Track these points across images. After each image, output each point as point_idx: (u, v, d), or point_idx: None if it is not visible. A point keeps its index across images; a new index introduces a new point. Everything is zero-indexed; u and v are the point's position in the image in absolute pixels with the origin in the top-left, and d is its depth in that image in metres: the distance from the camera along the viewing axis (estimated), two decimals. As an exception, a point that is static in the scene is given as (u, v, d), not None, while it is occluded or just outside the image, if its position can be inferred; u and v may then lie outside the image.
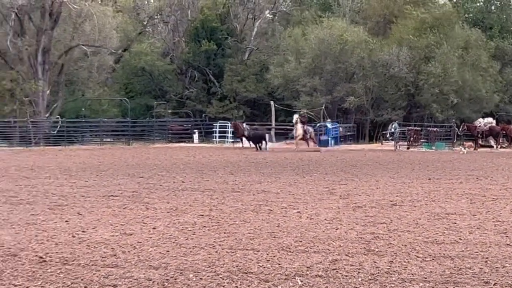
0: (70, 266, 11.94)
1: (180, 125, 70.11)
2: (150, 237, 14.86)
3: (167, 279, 11.07)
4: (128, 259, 12.59)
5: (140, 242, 14.23)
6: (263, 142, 55.96)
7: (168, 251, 13.34)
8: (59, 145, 57.37)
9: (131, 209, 19.52)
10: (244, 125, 59.22)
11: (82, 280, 10.96)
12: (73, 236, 14.83)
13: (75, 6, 66.11)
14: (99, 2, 75.97)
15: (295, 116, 56.71)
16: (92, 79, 71.71)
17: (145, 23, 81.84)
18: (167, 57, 79.47)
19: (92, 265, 12.07)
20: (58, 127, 61.14)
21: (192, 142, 65.01)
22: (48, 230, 15.54)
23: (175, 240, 14.58)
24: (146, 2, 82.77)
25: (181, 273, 11.51)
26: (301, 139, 56.43)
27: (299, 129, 55.76)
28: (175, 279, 11.11)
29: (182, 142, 65.17)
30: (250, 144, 57.21)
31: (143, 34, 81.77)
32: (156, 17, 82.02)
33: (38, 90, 64.11)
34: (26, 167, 34.27)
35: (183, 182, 27.74)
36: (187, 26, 79.80)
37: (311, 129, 57.95)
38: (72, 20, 67.63)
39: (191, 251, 13.36)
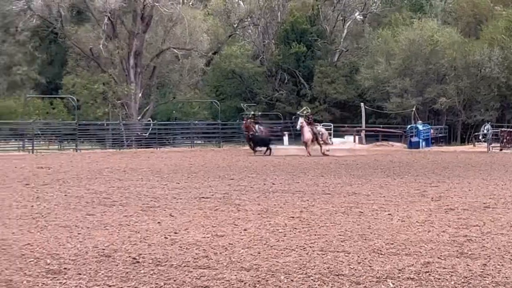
0: (163, 267, 11.98)
1: (270, 127, 69.79)
2: (241, 239, 14.86)
3: (258, 281, 11.04)
4: (220, 260, 12.60)
5: (232, 244, 14.23)
6: (267, 146, 51.07)
7: (259, 253, 13.32)
8: (151, 147, 57.91)
9: (222, 211, 19.56)
10: (257, 126, 53.83)
11: (174, 281, 10.99)
12: (166, 238, 14.90)
13: (166, 10, 66.64)
14: (190, 5, 76.44)
15: (300, 121, 49.94)
16: (183, 82, 72.23)
17: (235, 26, 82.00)
18: (257, 59, 79.64)
19: (184, 266, 12.10)
20: (150, 129, 61.68)
21: (282, 144, 64.89)
22: (141, 232, 15.65)
23: (266, 241, 14.55)
24: (236, 5, 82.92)
25: (272, 275, 11.48)
26: (313, 142, 49.88)
27: (306, 133, 49.23)
28: (266, 280, 11.08)
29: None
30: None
31: (233, 37, 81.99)
32: (246, 20, 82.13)
33: (130, 93, 64.85)
34: (119, 169, 34.63)
35: (273, 184, 27.73)
36: (277, 28, 79.92)
37: (323, 131, 52.00)
38: (164, 24, 68.22)
39: (282, 253, 13.32)
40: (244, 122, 54.98)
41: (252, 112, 58.03)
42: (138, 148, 57.80)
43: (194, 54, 70.28)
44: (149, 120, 63.56)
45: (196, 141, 64.93)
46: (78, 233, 15.38)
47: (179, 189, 25.34)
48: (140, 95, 65.55)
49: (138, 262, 12.39)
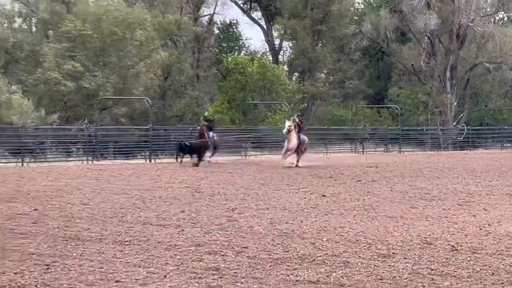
0: (479, 254, 11.80)
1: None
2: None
3: None
4: (530, 250, 12.26)
5: (540, 236, 13.81)
6: (199, 154, 36.94)
7: None
8: (464, 150, 56.93)
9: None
10: (211, 133, 39.18)
11: (489, 267, 10.79)
12: (480, 229, 14.65)
13: (479, 28, 65.56)
14: (500, 24, 74.56)
15: (287, 124, 38.03)
16: (494, 92, 70.63)
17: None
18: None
19: (498, 254, 11.86)
20: (464, 134, 60.82)
21: None
22: (458, 223, 15.48)
23: None
24: None
25: None
26: (293, 151, 37.47)
27: (293, 140, 37.12)
28: None
29: None
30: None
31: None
32: None
33: (447, 102, 64.40)
34: (437, 168, 34.32)
35: None
36: None
37: (306, 140, 39.02)
38: (476, 41, 67.02)
39: None
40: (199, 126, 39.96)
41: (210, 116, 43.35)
42: (454, 150, 57.13)
43: (504, 67, 68.56)
44: (463, 126, 62.71)
45: (506, 144, 63.14)
46: (403, 223, 15.44)
47: (491, 186, 24.78)
48: (455, 104, 65.14)
49: (456, 249, 12.27)
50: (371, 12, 69.64)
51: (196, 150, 36.85)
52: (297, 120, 37.98)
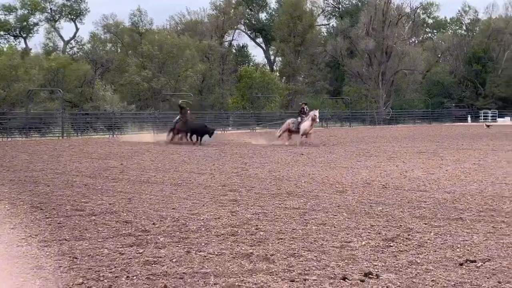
0: (399, 190, 11.81)
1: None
2: (444, 175, 14.34)
3: (454, 199, 10.64)
4: (432, 187, 12.24)
5: (438, 178, 13.78)
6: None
7: (455, 183, 12.81)
8: (390, 125, 56.75)
9: (432, 159, 18.95)
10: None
11: (406, 198, 10.81)
12: (401, 174, 14.66)
13: (399, 48, 65.25)
14: (413, 45, 74.06)
15: (316, 113, 27.24)
16: (409, 88, 70.34)
17: (439, 55, 78.61)
18: (452, 74, 75.76)
19: (412, 190, 11.87)
20: (390, 114, 60.78)
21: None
22: (387, 171, 15.48)
23: (458, 177, 13.96)
24: (441, 42, 79.34)
25: (462, 195, 11.03)
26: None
27: (306, 123, 26.96)
28: (460, 198, 10.67)
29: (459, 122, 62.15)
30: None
31: (438, 61, 78.47)
32: (446, 52, 78.47)
33: (379, 95, 64.12)
34: (373, 136, 34.29)
35: (462, 144, 26.49)
36: (463, 56, 75.46)
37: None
38: (398, 56, 66.58)
39: (467, 184, 12.73)
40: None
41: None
42: (384, 125, 56.98)
43: (415, 72, 68.32)
44: (390, 109, 62.70)
45: (416, 121, 62.77)
46: (352, 171, 15.45)
47: (407, 147, 24.76)
48: (384, 95, 64.92)
49: (385, 187, 12.29)
50: (332, 39, 69.64)
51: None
52: (304, 106, 28.89)
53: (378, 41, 65.34)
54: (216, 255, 6.72)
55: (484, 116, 64.59)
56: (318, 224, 8.45)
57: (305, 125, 27.17)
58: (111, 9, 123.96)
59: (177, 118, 29.53)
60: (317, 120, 27.74)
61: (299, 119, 27.90)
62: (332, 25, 76.90)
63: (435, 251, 6.85)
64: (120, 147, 25.46)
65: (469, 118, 62.70)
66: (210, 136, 27.48)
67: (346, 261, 6.43)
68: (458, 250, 6.91)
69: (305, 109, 28.25)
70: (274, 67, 74.03)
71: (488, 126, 45.14)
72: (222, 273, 5.99)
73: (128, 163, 18.09)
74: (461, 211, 9.44)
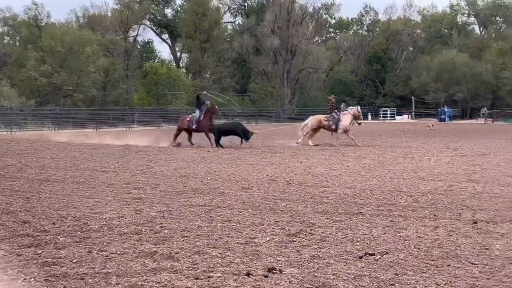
0: (303, 186, 12.04)
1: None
2: (345, 171, 14.78)
3: (355, 194, 10.99)
4: (334, 183, 12.57)
5: (340, 174, 14.17)
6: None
7: (355, 179, 13.22)
8: (296, 122, 57.79)
9: (334, 156, 19.47)
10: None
11: (309, 193, 11.03)
12: (304, 170, 14.95)
13: (304, 47, 66.56)
14: (316, 44, 75.89)
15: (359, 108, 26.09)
16: (313, 86, 72.04)
17: (341, 54, 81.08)
18: (353, 73, 78.39)
19: (315, 186, 12.13)
20: (295, 112, 61.84)
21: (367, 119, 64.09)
22: (291, 167, 15.74)
23: (359, 173, 14.43)
24: (343, 42, 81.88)
25: (363, 190, 11.40)
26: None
27: (347, 120, 24.89)
28: (360, 194, 11.02)
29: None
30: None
31: (341, 60, 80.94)
32: (348, 51, 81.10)
33: (285, 93, 65.16)
34: (279, 134, 34.66)
35: (363, 141, 27.34)
36: (364, 55, 78.42)
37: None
38: (302, 54, 68.04)
39: (368, 179, 13.20)
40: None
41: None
42: (289, 122, 57.94)
43: (319, 71, 70.00)
44: (295, 107, 63.74)
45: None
46: (258, 168, 15.58)
47: (310, 145, 25.26)
48: (289, 93, 66.04)
49: (290, 183, 12.48)
50: (238, 36, 69.96)
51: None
52: (333, 100, 25.99)
53: (283, 39, 66.43)
54: (119, 254, 6.57)
55: (383, 114, 67.20)
56: (224, 221, 8.46)
57: (346, 121, 24.63)
58: (5, 1, 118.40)
59: (196, 114, 24.13)
60: (361, 116, 25.15)
61: (334, 115, 24.95)
62: (238, 22, 77.47)
63: (336, 245, 7.03)
64: (19, 144, 24.40)
65: (369, 116, 64.98)
66: (248, 138, 23.43)
67: (250, 257, 6.48)
68: (358, 243, 7.12)
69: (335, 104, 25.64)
70: (180, 63, 73.51)
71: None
72: (125, 273, 5.87)
73: (27, 160, 17.36)
74: (361, 205, 9.75)
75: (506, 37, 73.26)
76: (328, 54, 75.13)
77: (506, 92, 67.18)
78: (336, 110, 25.23)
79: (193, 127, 23.90)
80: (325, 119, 25.02)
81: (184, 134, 24.44)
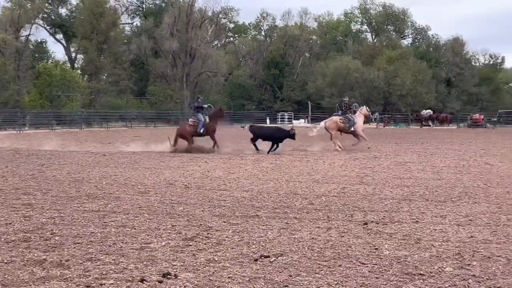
0: (201, 190, 12.00)
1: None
2: (243, 174, 14.88)
3: (252, 197, 11.08)
4: (232, 186, 12.62)
5: (238, 177, 14.25)
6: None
7: (253, 182, 13.33)
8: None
9: (233, 159, 19.54)
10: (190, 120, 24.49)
11: (207, 197, 11.01)
12: (203, 174, 14.91)
13: (203, 50, 66.62)
14: (216, 48, 76.13)
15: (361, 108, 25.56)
16: (213, 90, 72.16)
17: (240, 59, 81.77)
18: (252, 77, 79.22)
19: (213, 189, 12.12)
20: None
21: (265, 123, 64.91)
22: (189, 171, 15.66)
23: (257, 176, 14.57)
24: (242, 47, 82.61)
25: (260, 193, 11.52)
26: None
27: (361, 121, 25.23)
28: (257, 197, 11.12)
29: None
30: None
31: (240, 65, 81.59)
32: (247, 56, 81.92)
33: (184, 95, 64.87)
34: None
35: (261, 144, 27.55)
36: (262, 60, 79.45)
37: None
38: (202, 58, 67.98)
39: (265, 182, 13.36)
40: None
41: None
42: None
43: (218, 75, 70.26)
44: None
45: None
46: (155, 172, 15.38)
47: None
48: (188, 96, 65.84)
49: (188, 187, 12.41)
50: (136, 37, 68.97)
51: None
52: (347, 101, 25.63)
53: (182, 42, 66.13)
54: (6, 263, 6.26)
55: (281, 118, 68.33)
56: (118, 226, 8.28)
57: (360, 122, 24.53)
58: None
59: (200, 118, 23.57)
60: (371, 116, 23.40)
61: (349, 116, 24.57)
62: (136, 24, 76.23)
63: (232, 248, 7.06)
64: None
65: (267, 120, 65.85)
66: (293, 137, 22.45)
67: (145, 262, 6.37)
68: (253, 246, 7.19)
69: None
70: (75, 64, 71.33)
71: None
72: (11, 282, 5.60)
73: None
74: (258, 208, 9.85)
75: (396, 45, 76.91)
76: (227, 58, 75.54)
77: (397, 97, 70.33)
78: (348, 111, 24.96)
79: (200, 131, 23.34)
80: (341, 121, 24.64)
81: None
